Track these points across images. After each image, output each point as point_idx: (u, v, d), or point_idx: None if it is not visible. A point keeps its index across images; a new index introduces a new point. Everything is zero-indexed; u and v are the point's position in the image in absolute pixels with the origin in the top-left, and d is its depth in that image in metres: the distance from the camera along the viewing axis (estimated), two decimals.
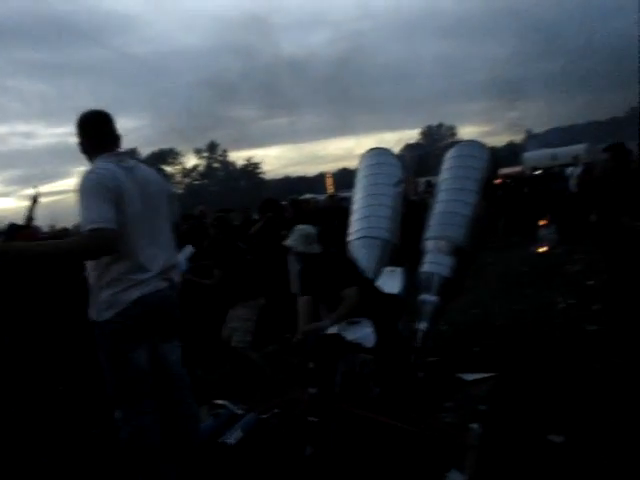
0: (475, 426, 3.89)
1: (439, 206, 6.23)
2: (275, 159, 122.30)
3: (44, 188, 7.76)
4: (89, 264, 3.29)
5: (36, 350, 6.04)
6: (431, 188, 12.66)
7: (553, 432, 4.01)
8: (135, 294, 3.19)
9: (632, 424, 3.97)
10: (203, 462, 3.47)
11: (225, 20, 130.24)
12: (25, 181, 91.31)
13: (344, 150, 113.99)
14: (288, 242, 4.91)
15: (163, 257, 3.34)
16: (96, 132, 3.38)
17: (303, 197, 21.27)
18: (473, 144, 6.76)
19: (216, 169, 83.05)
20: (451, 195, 6.25)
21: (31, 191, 7.08)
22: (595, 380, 4.79)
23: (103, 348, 3.27)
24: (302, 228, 4.94)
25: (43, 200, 7.14)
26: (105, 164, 3.25)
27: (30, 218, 6.98)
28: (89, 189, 3.12)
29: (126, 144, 3.52)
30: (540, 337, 6.21)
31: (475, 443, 3.82)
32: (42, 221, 8.21)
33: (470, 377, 5.21)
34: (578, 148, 26.62)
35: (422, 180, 17.17)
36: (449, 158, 6.62)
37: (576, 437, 3.92)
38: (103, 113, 3.45)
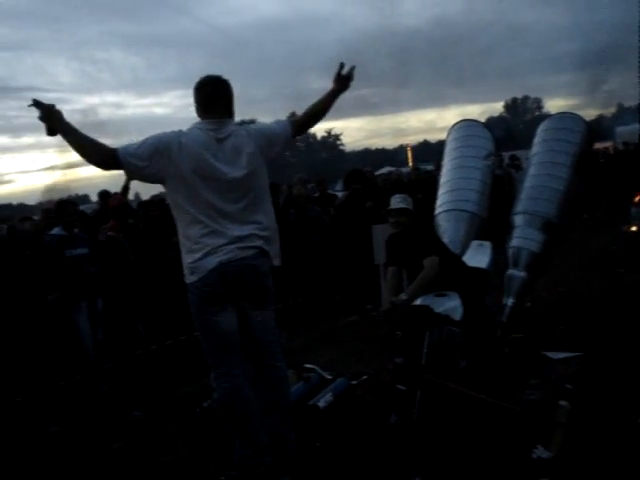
0: (564, 403, 3.83)
1: (530, 180, 6.10)
2: (356, 131, 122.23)
3: None
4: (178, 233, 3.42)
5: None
6: (517, 162, 12.34)
7: None
8: (213, 262, 3.26)
9: None
10: (293, 423, 3.56)
11: None
12: None
13: (425, 123, 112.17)
14: (396, 204, 4.77)
15: (247, 223, 3.37)
16: (198, 97, 3.46)
17: (382, 170, 21.15)
18: (568, 116, 6.56)
19: (296, 140, 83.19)
20: (543, 169, 6.11)
21: None
22: None
23: (192, 310, 3.40)
24: (401, 194, 4.91)
25: None
26: (191, 129, 3.38)
27: (126, 187, 7.29)
28: (154, 135, 3.33)
29: None
30: (629, 318, 6.00)
31: (563, 420, 3.77)
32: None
33: (557, 355, 5.10)
34: None
35: (506, 154, 16.68)
36: (542, 131, 6.46)
37: None
38: (207, 79, 3.47)
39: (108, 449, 4.60)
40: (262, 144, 3.47)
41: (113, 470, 4.27)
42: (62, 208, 6.01)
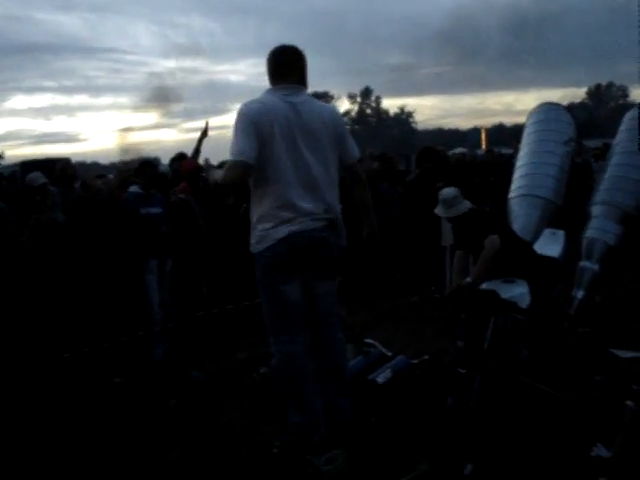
0: (630, 403, 3.69)
1: (611, 170, 5.87)
2: (429, 109, 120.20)
3: (202, 123, 8.14)
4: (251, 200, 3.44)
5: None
6: (597, 150, 11.88)
7: None
8: (283, 232, 3.27)
9: None
10: (350, 395, 3.58)
11: None
12: (187, 115, 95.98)
13: (502, 105, 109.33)
14: (435, 210, 4.95)
15: (319, 197, 3.36)
16: (270, 65, 3.46)
17: (454, 151, 20.69)
18: None
19: (368, 115, 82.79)
20: (625, 159, 5.87)
21: (201, 124, 7.47)
22: None
23: (258, 279, 3.44)
24: (442, 193, 4.83)
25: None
26: (266, 96, 3.36)
27: (197, 150, 7.38)
28: (238, 121, 3.26)
29: None
30: None
31: (627, 421, 3.64)
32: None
33: (625, 354, 4.92)
34: None
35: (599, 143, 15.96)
36: (627, 120, 6.19)
37: None
38: (281, 47, 3.48)
39: (165, 404, 4.73)
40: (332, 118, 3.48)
41: (168, 424, 4.38)
42: (143, 168, 6.16)
